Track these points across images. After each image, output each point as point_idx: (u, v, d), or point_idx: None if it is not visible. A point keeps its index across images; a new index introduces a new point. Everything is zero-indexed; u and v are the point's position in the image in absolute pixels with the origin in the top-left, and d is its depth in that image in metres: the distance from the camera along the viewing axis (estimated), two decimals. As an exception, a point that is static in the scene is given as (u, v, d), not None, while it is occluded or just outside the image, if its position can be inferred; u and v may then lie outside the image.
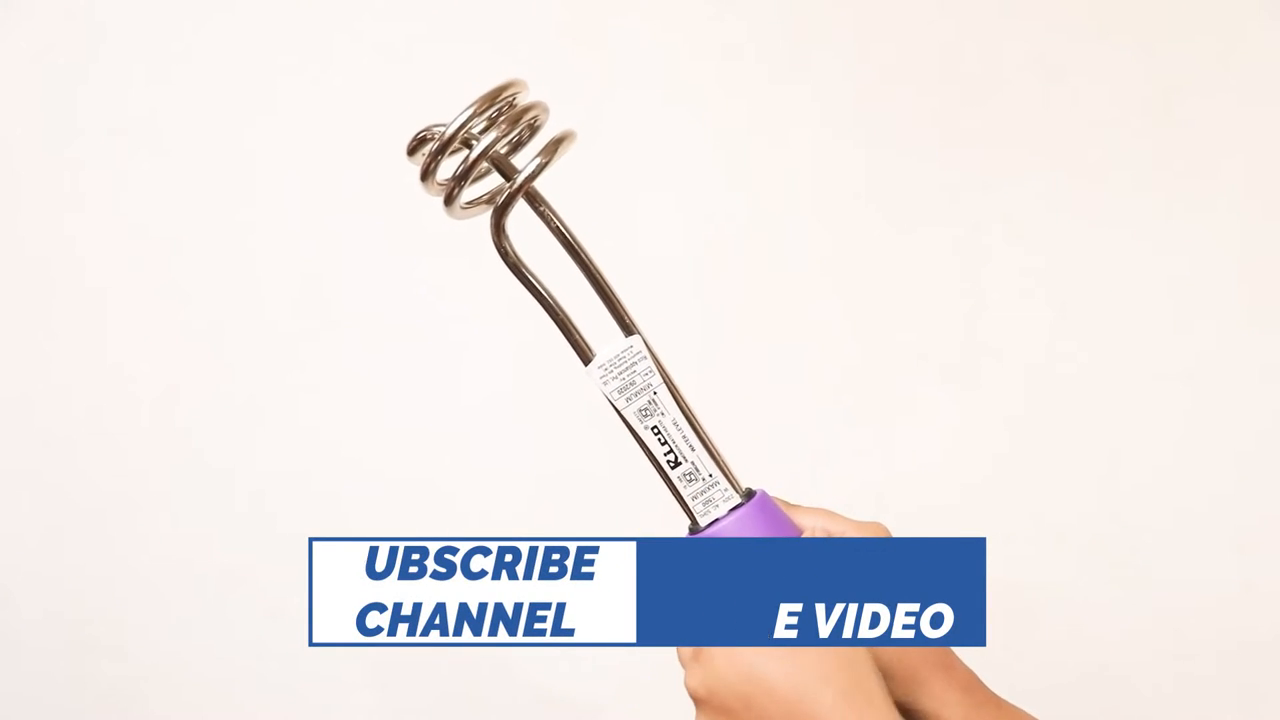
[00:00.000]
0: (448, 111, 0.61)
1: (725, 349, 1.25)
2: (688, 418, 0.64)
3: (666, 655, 0.69)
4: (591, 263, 0.63)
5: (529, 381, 1.30)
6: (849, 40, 1.23)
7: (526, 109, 0.61)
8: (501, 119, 0.61)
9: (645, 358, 0.63)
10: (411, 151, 0.63)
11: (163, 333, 1.33)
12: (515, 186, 0.61)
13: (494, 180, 0.63)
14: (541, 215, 0.62)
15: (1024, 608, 1.24)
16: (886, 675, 0.64)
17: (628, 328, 0.63)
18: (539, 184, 0.62)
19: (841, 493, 1.21)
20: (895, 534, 0.70)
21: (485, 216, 0.62)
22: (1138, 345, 1.22)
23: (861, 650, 0.61)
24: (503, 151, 0.61)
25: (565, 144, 0.61)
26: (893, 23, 1.22)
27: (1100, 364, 1.23)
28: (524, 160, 0.61)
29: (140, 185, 1.32)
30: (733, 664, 0.61)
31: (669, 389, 0.63)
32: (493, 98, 0.61)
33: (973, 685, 0.67)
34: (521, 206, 0.62)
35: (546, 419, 1.30)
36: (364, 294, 1.31)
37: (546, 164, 0.60)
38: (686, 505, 0.65)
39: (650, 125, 1.25)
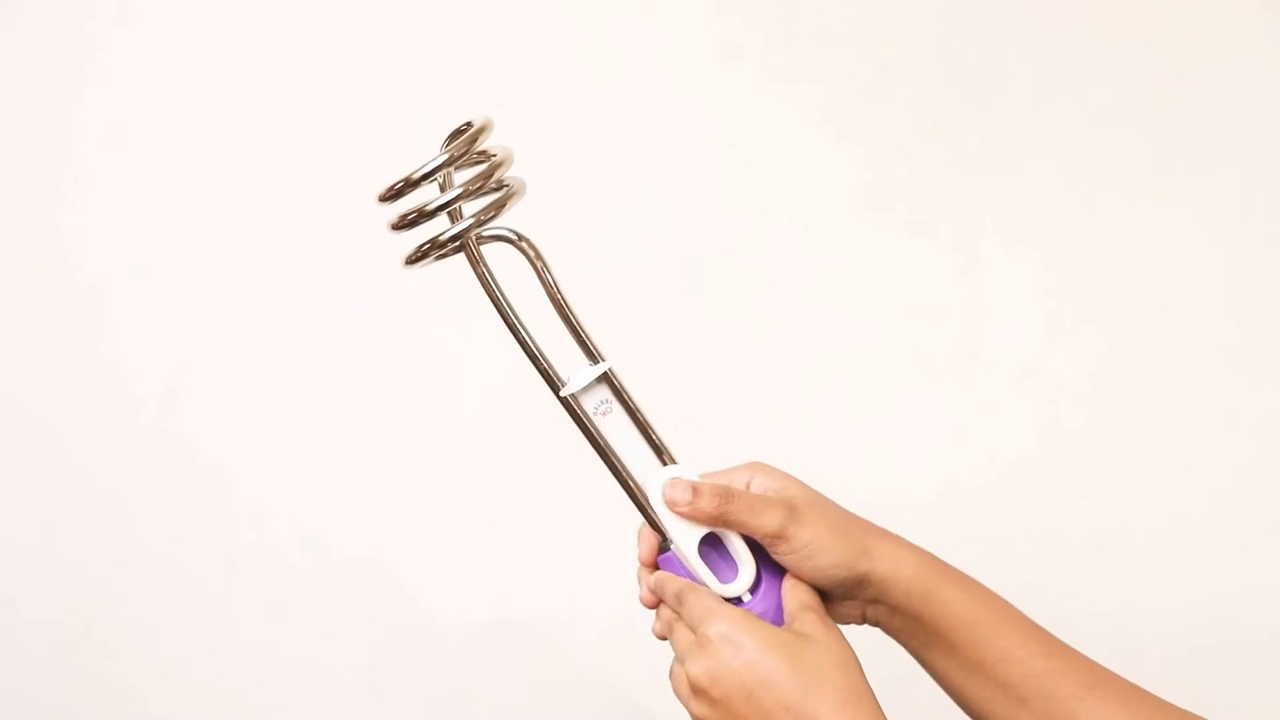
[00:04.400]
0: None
1: (723, 348, 1.25)
2: (612, 469, 0.70)
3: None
4: (520, 326, 0.67)
5: (528, 381, 1.30)
6: (849, 40, 1.23)
7: (488, 169, 0.65)
8: (464, 162, 0.65)
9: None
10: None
11: (161, 332, 1.33)
12: (440, 240, 0.64)
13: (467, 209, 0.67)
14: (478, 274, 0.65)
15: (1022, 607, 1.24)
16: (839, 556, 0.69)
17: (555, 389, 0.69)
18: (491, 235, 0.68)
19: (840, 493, 1.21)
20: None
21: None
22: (1137, 345, 1.22)
23: (852, 656, 0.66)
24: (453, 196, 0.64)
25: (505, 205, 0.64)
26: (893, 21, 1.22)
27: (1099, 364, 1.23)
28: (471, 210, 0.65)
29: (138, 184, 1.32)
30: (738, 654, 0.64)
31: (591, 442, 0.70)
32: (463, 147, 0.65)
33: (910, 543, 0.72)
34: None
35: (546, 419, 1.30)
36: (363, 294, 1.31)
37: (467, 231, 0.63)
38: None
39: (649, 123, 1.25)
